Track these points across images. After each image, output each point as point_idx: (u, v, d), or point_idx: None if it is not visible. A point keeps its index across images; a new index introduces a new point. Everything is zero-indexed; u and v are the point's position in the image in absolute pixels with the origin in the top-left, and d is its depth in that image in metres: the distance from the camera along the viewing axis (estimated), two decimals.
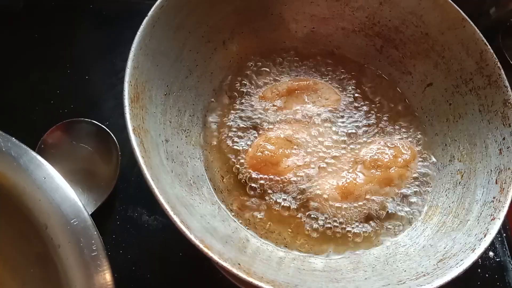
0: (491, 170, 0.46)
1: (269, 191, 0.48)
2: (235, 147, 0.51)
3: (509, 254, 0.60)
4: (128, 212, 0.56)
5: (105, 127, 0.58)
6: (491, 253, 0.59)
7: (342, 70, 0.59)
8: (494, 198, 0.43)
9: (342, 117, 0.55)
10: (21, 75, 0.66)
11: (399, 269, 0.42)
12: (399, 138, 0.54)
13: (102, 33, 0.74)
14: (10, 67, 0.67)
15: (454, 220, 0.45)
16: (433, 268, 0.40)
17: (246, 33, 0.57)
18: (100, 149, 0.58)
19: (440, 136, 0.54)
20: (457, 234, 0.43)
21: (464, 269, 0.37)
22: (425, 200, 0.50)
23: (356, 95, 0.57)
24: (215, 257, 0.34)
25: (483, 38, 0.49)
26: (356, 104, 0.56)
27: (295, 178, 0.49)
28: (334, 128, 0.53)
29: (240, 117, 0.53)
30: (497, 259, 0.59)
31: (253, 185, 0.49)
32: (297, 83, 0.56)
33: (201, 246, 0.34)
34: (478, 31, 0.50)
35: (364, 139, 0.53)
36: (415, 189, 0.51)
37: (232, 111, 0.54)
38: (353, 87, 0.58)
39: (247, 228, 0.47)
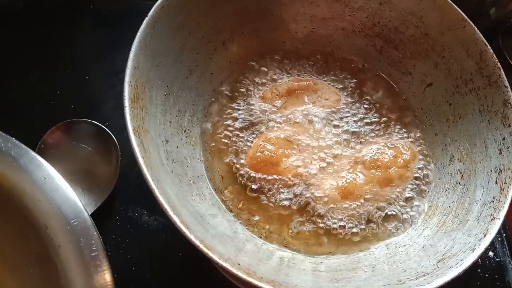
0: (491, 170, 0.46)
1: (269, 191, 0.48)
2: (235, 147, 0.51)
3: (509, 254, 0.60)
4: (128, 212, 0.56)
5: (105, 128, 0.58)
6: (491, 253, 0.59)
7: (342, 71, 0.59)
8: (494, 198, 0.43)
9: (342, 117, 0.55)
10: (21, 75, 0.66)
11: (399, 269, 0.42)
12: (399, 138, 0.54)
13: (102, 33, 0.74)
14: (10, 67, 0.67)
15: (454, 220, 0.45)
16: (433, 268, 0.40)
17: (246, 33, 0.57)
18: (100, 149, 0.58)
19: (440, 136, 0.54)
20: (457, 234, 0.43)
21: (464, 269, 0.37)
22: (425, 200, 0.50)
23: (356, 95, 0.57)
24: (215, 257, 0.34)
25: (483, 39, 0.49)
26: (356, 105, 0.56)
27: (295, 178, 0.49)
28: (334, 128, 0.54)
29: (240, 118, 0.53)
30: (497, 259, 0.59)
31: (253, 185, 0.49)
32: (297, 83, 0.56)
33: (201, 246, 0.34)
34: (478, 32, 0.50)
35: (364, 139, 0.53)
36: (415, 189, 0.51)
37: (232, 112, 0.54)
38: (353, 87, 0.58)
39: (247, 228, 0.47)
